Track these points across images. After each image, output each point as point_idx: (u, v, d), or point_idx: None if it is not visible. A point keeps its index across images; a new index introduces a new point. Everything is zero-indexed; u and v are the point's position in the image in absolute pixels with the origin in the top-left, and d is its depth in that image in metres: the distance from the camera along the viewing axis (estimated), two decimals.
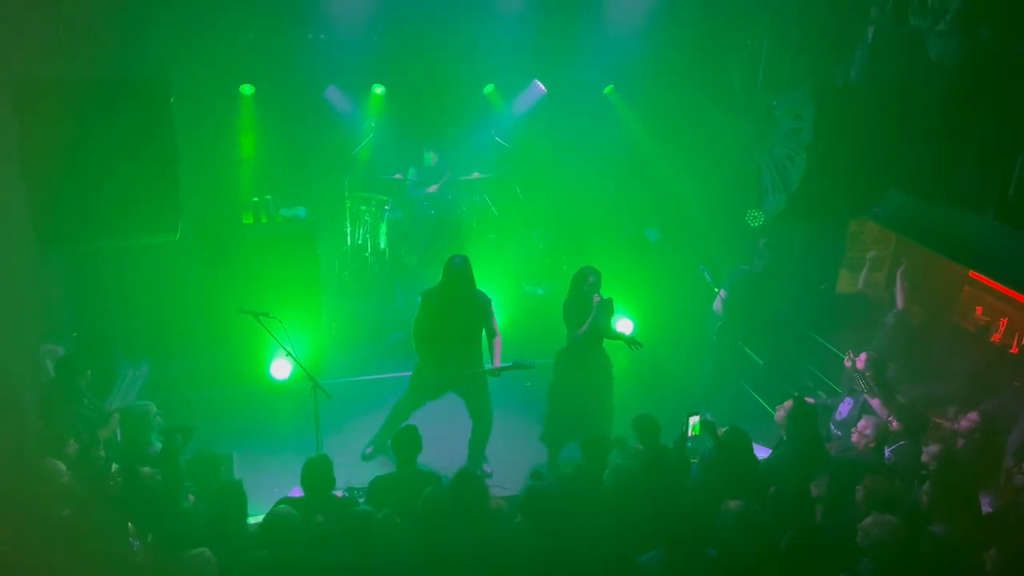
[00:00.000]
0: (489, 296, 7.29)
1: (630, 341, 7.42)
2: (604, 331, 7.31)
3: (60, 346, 7.13)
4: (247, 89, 10.07)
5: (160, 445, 6.13)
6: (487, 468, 7.63)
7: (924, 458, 5.69)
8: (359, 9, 9.63)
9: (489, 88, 11.59)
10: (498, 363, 7.18)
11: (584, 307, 7.14)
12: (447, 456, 7.45)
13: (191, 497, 5.85)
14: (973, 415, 6.14)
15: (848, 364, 7.13)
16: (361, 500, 5.89)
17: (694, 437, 6.43)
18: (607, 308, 7.24)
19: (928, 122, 6.57)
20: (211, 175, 9.07)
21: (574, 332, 7.22)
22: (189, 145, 6.05)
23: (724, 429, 6.21)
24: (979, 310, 8.57)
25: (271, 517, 4.96)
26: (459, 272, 6.94)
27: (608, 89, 11.53)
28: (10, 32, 6.03)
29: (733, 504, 5.03)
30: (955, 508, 5.05)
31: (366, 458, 7.76)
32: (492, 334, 7.27)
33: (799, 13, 8.35)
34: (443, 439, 7.42)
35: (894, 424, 6.35)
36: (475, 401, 7.46)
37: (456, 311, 7.01)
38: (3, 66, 5.65)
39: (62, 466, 5.17)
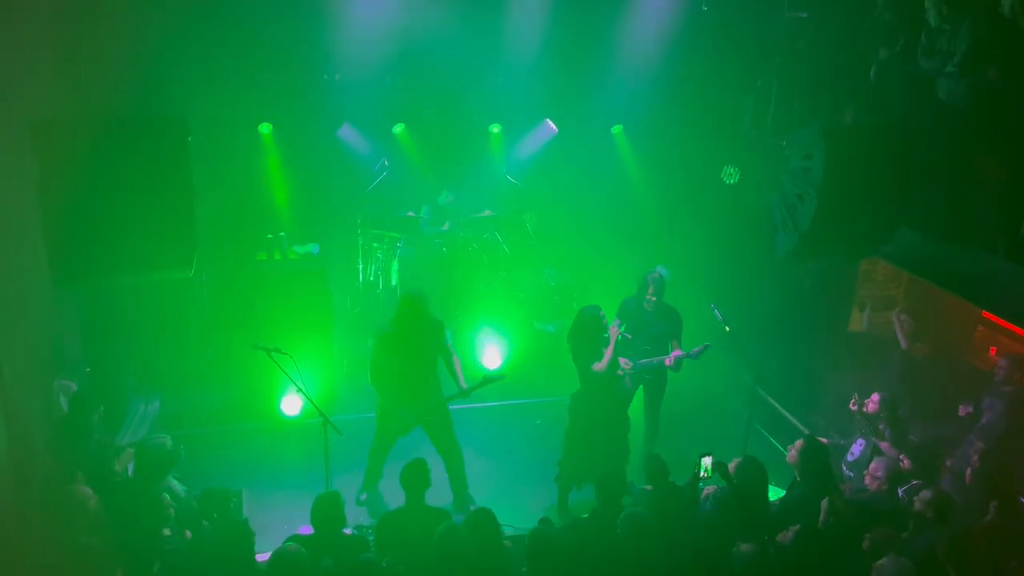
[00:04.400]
0: (440, 319, 7.30)
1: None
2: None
3: (73, 381, 7.16)
4: (265, 128, 10.21)
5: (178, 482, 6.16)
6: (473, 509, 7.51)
7: (917, 506, 5.62)
8: (373, 51, 9.77)
9: (495, 128, 11.70)
10: (463, 382, 7.19)
11: (597, 342, 7.13)
12: (450, 494, 7.44)
13: (188, 533, 5.87)
14: (978, 443, 6.07)
15: (853, 407, 7.08)
16: (371, 538, 5.86)
17: (707, 478, 6.38)
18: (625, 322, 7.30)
19: (939, 161, 6.58)
20: (225, 212, 9.15)
21: (589, 370, 7.18)
22: (204, 182, 6.12)
23: (738, 460, 6.16)
24: (993, 350, 8.52)
25: (278, 555, 4.94)
26: (422, 302, 7.00)
27: (616, 129, 11.62)
28: (30, 71, 6.14)
29: (745, 547, 4.97)
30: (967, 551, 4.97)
31: (361, 504, 7.70)
32: (449, 355, 7.27)
33: (809, 53, 8.43)
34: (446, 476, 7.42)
35: (905, 463, 6.29)
36: (440, 436, 7.41)
37: (413, 342, 7.02)
38: (23, 104, 5.75)
39: (89, 491, 5.23)
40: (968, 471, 6.29)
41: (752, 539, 5.08)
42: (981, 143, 6.37)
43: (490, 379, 7.21)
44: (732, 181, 9.78)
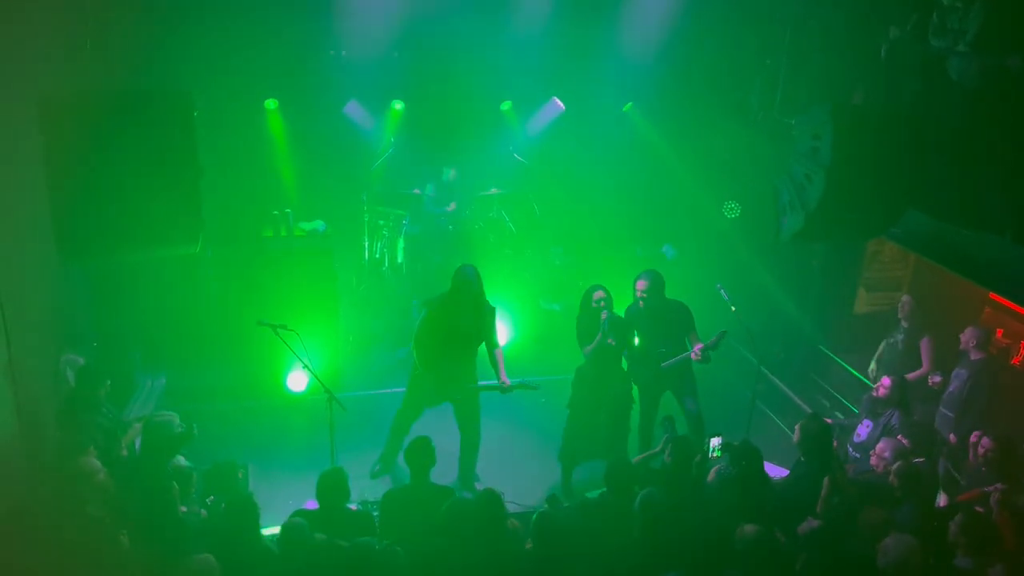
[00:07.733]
0: (494, 306, 7.27)
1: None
2: (622, 347, 7.30)
3: (80, 356, 7.20)
4: (271, 104, 10.17)
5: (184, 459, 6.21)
6: (478, 487, 7.48)
7: (890, 478, 5.71)
8: (380, 27, 9.71)
9: (506, 105, 11.64)
10: (505, 377, 7.14)
11: (593, 325, 7.15)
12: (456, 470, 7.47)
13: (203, 512, 5.90)
14: (986, 440, 6.06)
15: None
16: (375, 513, 5.90)
17: (715, 459, 6.40)
18: (617, 325, 7.24)
19: (947, 142, 6.54)
20: (232, 188, 9.15)
21: (583, 350, 7.26)
22: (210, 158, 6.11)
23: (736, 442, 6.18)
24: (1000, 332, 8.50)
25: (286, 528, 4.98)
26: (470, 281, 6.96)
27: (627, 107, 11.55)
28: (37, 46, 6.13)
29: (749, 528, 4.98)
30: (982, 541, 4.96)
31: (375, 475, 7.76)
32: (493, 345, 7.21)
33: (818, 33, 8.35)
34: (453, 453, 7.44)
35: (906, 443, 6.30)
36: (466, 414, 7.40)
37: (462, 320, 7.00)
38: (30, 79, 5.74)
39: (98, 464, 5.28)
40: (972, 453, 6.31)
41: (757, 520, 5.08)
42: (990, 125, 6.32)
43: (525, 385, 7.12)
44: (733, 216, 9.75)
